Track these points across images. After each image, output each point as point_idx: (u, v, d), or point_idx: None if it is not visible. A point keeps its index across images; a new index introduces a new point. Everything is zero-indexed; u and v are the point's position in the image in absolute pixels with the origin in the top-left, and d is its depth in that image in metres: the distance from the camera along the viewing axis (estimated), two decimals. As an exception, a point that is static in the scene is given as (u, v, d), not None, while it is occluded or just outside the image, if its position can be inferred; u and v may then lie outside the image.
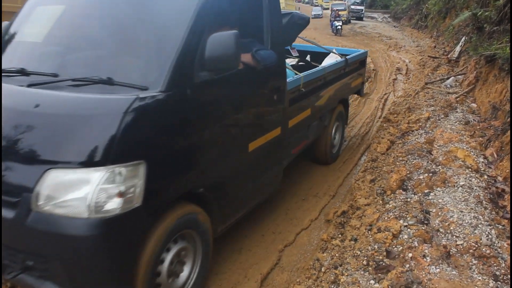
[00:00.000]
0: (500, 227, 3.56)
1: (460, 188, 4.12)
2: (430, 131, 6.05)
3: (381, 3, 48.85)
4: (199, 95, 2.63)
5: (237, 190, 3.23)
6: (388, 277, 3.01)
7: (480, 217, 3.59)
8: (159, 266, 2.53)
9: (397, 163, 5.08)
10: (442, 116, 6.69)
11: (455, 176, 4.37)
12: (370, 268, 3.17)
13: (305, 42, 6.27)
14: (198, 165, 2.70)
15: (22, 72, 2.62)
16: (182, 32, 2.56)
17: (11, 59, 2.83)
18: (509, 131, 4.97)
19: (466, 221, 3.52)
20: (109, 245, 2.18)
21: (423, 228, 3.52)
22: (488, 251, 3.14)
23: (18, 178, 2.21)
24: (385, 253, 3.30)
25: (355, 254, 3.36)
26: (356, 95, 7.75)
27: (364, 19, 36.46)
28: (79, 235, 2.11)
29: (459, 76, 9.47)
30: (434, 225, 3.57)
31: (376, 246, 3.40)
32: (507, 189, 4.15)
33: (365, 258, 3.28)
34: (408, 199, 4.11)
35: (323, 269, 3.25)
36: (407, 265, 3.10)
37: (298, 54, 5.72)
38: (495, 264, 3.05)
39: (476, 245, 3.20)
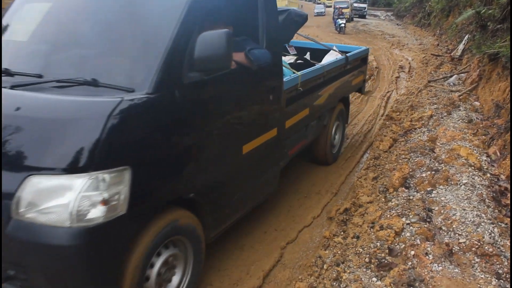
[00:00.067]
0: (503, 225, 3.55)
1: (463, 186, 4.12)
2: (432, 129, 6.04)
3: (384, 1, 48.82)
4: (188, 97, 2.52)
5: (230, 194, 3.12)
6: (390, 274, 3.01)
7: (483, 215, 3.59)
8: (148, 272, 2.43)
9: (400, 161, 5.08)
10: (445, 114, 6.68)
11: (457, 174, 4.36)
12: (372, 265, 3.17)
13: (304, 39, 6.15)
14: (188, 169, 2.60)
15: (6, 72, 2.52)
16: (170, 31, 2.46)
17: None
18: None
19: (469, 219, 3.51)
20: (92, 255, 2.09)
21: (426, 226, 3.51)
22: (490, 250, 3.13)
23: None
24: (387, 250, 3.30)
25: (357, 252, 3.36)
26: (358, 93, 7.67)
27: (367, 17, 36.40)
28: (61, 245, 2.01)
29: (462, 74, 9.44)
30: (436, 223, 3.56)
31: (378, 244, 3.40)
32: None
33: (367, 255, 3.28)
34: (411, 197, 4.10)
35: (325, 266, 3.25)
36: (409, 263, 3.10)
37: (296, 52, 5.59)
38: (497, 263, 3.04)
39: (479, 243, 3.19)
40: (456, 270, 2.97)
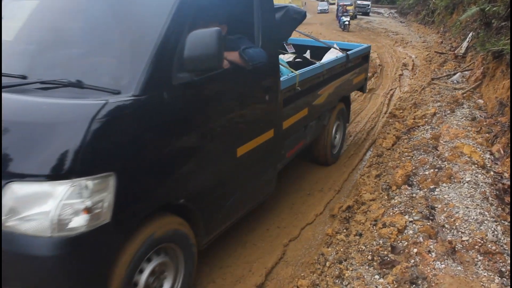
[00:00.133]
0: (506, 223, 3.54)
1: (466, 184, 4.10)
2: (436, 127, 6.02)
3: (388, -2, 48.55)
4: (177, 99, 2.40)
5: (223, 199, 3.00)
6: (393, 272, 3.01)
7: (486, 213, 3.58)
8: (136, 279, 2.32)
9: (403, 158, 5.07)
10: (449, 112, 6.66)
11: (461, 172, 4.35)
12: (375, 263, 3.17)
13: (305, 37, 6.06)
14: (177, 175, 2.48)
15: None
16: (159, 29, 2.34)
17: None
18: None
19: (472, 217, 3.51)
20: (74, 267, 2.00)
21: (429, 223, 3.51)
22: (493, 248, 3.12)
23: None
24: (390, 248, 3.29)
25: (360, 249, 3.36)
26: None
27: (370, 14, 36.27)
28: (41, 256, 1.92)
29: (466, 72, 9.40)
30: (439, 221, 3.56)
31: (381, 241, 3.39)
32: (514, 185, 4.13)
33: (370, 253, 3.28)
34: (414, 195, 4.10)
35: (327, 264, 3.25)
36: (412, 261, 3.09)
37: (294, 50, 5.44)
38: (500, 261, 3.03)
39: (482, 241, 3.18)
40: (459, 268, 2.97)
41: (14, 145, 2.01)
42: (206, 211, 2.81)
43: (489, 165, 4.63)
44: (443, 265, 2.99)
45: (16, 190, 1.94)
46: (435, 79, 9.40)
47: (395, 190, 4.30)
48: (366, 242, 3.44)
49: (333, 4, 39.21)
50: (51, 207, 1.91)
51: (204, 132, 2.66)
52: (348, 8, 25.52)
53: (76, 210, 1.94)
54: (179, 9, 2.44)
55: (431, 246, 3.18)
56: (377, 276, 3.03)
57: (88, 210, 1.96)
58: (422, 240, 3.28)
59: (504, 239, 3.28)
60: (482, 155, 4.78)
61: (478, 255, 3.09)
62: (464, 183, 4.12)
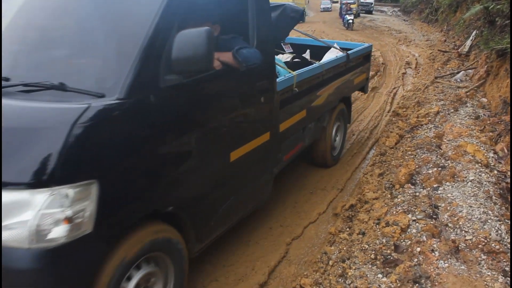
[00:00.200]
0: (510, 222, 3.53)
1: (470, 183, 4.09)
2: (439, 126, 6.00)
3: (391, -4, 48.45)
4: (165, 102, 2.29)
5: (216, 205, 2.88)
6: (396, 271, 3.00)
7: (490, 212, 3.57)
8: None
9: (406, 157, 5.06)
10: (452, 110, 6.64)
11: (464, 171, 4.34)
12: (378, 262, 3.16)
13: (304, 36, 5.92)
14: (165, 182, 2.37)
15: None
16: (146, 28, 2.23)
17: None
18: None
19: (475, 216, 3.49)
20: (53, 280, 1.90)
21: (432, 222, 3.50)
22: (497, 247, 3.11)
23: None
24: (393, 247, 3.29)
25: (363, 248, 3.36)
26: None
27: (373, 12, 36.22)
28: (19, 269, 1.84)
29: (470, 71, 9.38)
30: (442, 220, 3.55)
31: (384, 240, 3.39)
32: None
33: (373, 252, 3.28)
34: (417, 194, 4.09)
35: (330, 263, 3.25)
36: (415, 260, 3.09)
37: (292, 50, 5.29)
38: (504, 260, 3.02)
39: (485, 241, 3.17)
40: (463, 267, 2.96)
41: None
42: (197, 219, 2.70)
43: (492, 164, 4.62)
44: (446, 264, 2.98)
45: None
46: (438, 77, 9.38)
47: (398, 189, 4.29)
48: (369, 241, 3.44)
49: (336, 2, 39.14)
50: (29, 217, 1.82)
51: (194, 136, 2.55)
52: (351, 6, 25.46)
53: (56, 220, 1.85)
54: (167, 8, 2.32)
55: (435, 245, 3.18)
56: (380, 275, 3.02)
57: (68, 219, 1.87)
58: (425, 239, 3.28)
59: (507, 238, 3.27)
60: (485, 154, 4.77)
61: (482, 254, 3.08)
62: (467, 182, 4.11)
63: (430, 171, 4.47)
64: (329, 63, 4.56)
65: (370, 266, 3.15)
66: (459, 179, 4.18)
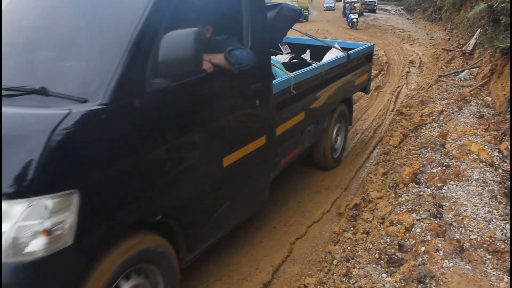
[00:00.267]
0: (515, 221, 3.52)
1: (474, 182, 4.08)
2: (443, 125, 5.99)
3: (394, -5, 48.31)
4: (151, 107, 2.18)
5: (208, 213, 2.76)
6: (400, 270, 3.00)
7: (495, 211, 3.55)
8: None
9: (410, 156, 5.05)
10: (456, 109, 6.62)
11: (469, 170, 4.32)
12: (382, 261, 3.16)
13: (303, 36, 5.77)
14: (152, 190, 2.25)
15: None
16: (131, 29, 2.13)
17: None
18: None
19: (480, 216, 3.48)
20: None
21: (436, 222, 3.49)
22: (502, 246, 3.10)
23: None
24: (397, 246, 3.28)
25: (367, 247, 3.35)
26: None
27: (377, 11, 36.13)
28: None
29: (474, 69, 9.33)
30: (447, 219, 3.54)
31: (388, 240, 3.38)
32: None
33: (377, 251, 3.27)
34: (421, 193, 4.08)
35: (334, 262, 3.25)
36: (420, 259, 3.08)
37: (290, 51, 5.17)
38: (509, 259, 3.01)
39: (490, 240, 3.16)
40: (467, 266, 2.95)
41: None
42: (188, 227, 2.58)
43: (497, 163, 4.60)
44: (451, 264, 2.97)
45: None
46: (442, 76, 9.35)
47: (403, 188, 4.28)
48: (373, 240, 3.43)
49: (340, 1, 39.07)
50: (5, 229, 1.72)
51: (183, 142, 2.45)
52: (355, 5, 25.36)
53: (33, 232, 1.75)
54: (154, 8, 2.22)
55: (439, 245, 3.17)
56: (384, 275, 3.02)
57: (47, 232, 1.76)
58: (429, 239, 3.27)
59: (512, 237, 3.26)
60: (490, 153, 4.75)
61: (487, 254, 3.07)
62: (472, 181, 4.10)
63: (434, 170, 4.46)
64: (329, 64, 4.46)
65: (374, 265, 3.14)
66: (463, 178, 4.17)
